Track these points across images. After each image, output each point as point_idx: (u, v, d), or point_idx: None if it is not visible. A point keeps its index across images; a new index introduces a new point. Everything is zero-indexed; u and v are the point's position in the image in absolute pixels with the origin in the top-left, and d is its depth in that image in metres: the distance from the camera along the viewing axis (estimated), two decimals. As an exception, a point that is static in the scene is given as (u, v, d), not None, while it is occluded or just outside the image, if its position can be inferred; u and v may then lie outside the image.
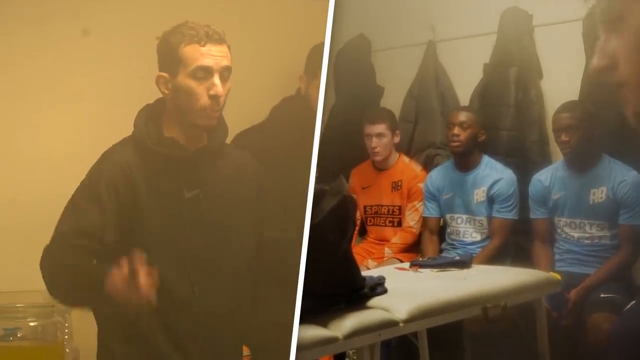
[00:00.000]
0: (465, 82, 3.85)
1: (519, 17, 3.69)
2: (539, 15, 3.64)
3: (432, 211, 3.70)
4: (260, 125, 3.02)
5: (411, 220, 3.75)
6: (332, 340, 2.27)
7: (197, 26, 2.34)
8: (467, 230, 3.61)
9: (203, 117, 2.34)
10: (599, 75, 1.24)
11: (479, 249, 3.54)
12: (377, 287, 2.53)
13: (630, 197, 3.16)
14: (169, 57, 2.35)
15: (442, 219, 3.72)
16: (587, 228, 3.26)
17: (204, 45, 2.32)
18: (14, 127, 2.85)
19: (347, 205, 2.43)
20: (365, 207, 3.87)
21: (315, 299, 2.34)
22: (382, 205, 3.83)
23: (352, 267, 2.49)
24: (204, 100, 2.32)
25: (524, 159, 3.62)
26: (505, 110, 3.68)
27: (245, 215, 2.46)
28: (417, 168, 3.82)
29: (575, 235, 3.29)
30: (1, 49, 2.83)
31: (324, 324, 2.31)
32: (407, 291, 2.62)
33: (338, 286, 2.42)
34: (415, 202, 3.75)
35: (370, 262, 3.66)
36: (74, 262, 2.29)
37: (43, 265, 2.31)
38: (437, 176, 3.71)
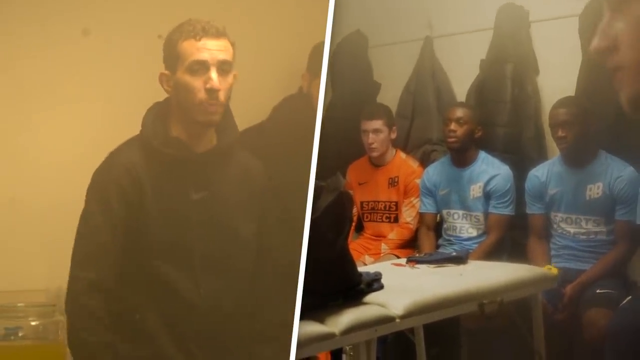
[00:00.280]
0: (461, 78, 3.86)
1: (516, 13, 3.69)
2: (536, 12, 3.65)
3: (428, 207, 3.71)
4: (262, 124, 3.02)
5: (408, 216, 3.75)
6: (328, 336, 2.28)
7: (196, 22, 2.33)
8: (463, 226, 3.62)
9: (201, 113, 2.31)
10: (598, 57, 1.23)
11: (476, 245, 3.55)
12: (374, 283, 2.54)
13: (626, 193, 3.17)
14: (169, 55, 2.35)
15: (438, 215, 3.73)
16: (583, 224, 3.27)
17: (199, 40, 2.30)
18: (14, 127, 2.85)
19: (343, 201, 2.43)
20: (362, 203, 3.87)
21: (312, 295, 2.35)
22: (378, 201, 3.83)
23: (348, 263, 2.49)
24: (201, 94, 2.30)
25: (520, 155, 3.62)
26: (501, 106, 3.69)
27: (251, 217, 2.46)
28: (413, 164, 3.83)
29: (572, 230, 3.30)
30: (1, 49, 2.83)
31: (321, 320, 2.32)
32: (403, 287, 2.63)
33: (335, 282, 2.42)
34: (412, 198, 3.75)
35: (367, 258, 3.67)
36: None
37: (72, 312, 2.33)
38: (434, 172, 3.72)
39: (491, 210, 3.56)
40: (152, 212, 2.32)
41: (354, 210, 3.82)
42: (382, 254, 3.69)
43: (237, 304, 2.43)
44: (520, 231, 3.51)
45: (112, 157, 2.37)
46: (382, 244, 3.74)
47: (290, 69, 3.05)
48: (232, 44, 2.36)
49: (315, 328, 2.29)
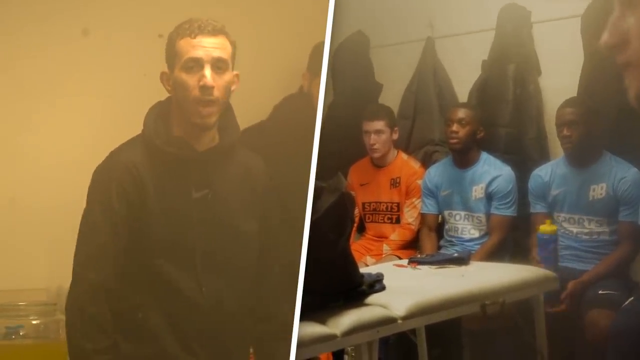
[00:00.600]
0: (463, 79, 3.85)
1: (518, 13, 3.69)
2: (538, 12, 3.64)
3: (430, 208, 3.71)
4: (263, 123, 3.02)
5: (409, 217, 3.75)
6: (330, 338, 2.28)
7: (195, 21, 2.33)
8: (465, 227, 3.61)
9: (196, 115, 2.30)
10: (607, 52, 1.21)
11: (478, 246, 3.54)
12: (376, 284, 2.54)
13: (630, 194, 3.16)
14: (169, 53, 2.36)
15: (440, 216, 3.72)
16: (586, 224, 3.26)
17: (194, 37, 2.30)
18: (15, 127, 2.85)
19: (345, 202, 2.43)
20: (363, 203, 3.87)
21: (314, 296, 2.35)
22: (380, 202, 3.83)
23: (350, 264, 2.49)
24: (195, 92, 2.29)
25: (522, 156, 3.61)
26: (503, 107, 3.68)
27: (252, 215, 2.46)
28: (415, 165, 3.82)
29: (574, 230, 3.29)
30: (1, 49, 2.83)
31: (322, 321, 2.32)
32: (405, 288, 2.63)
33: (336, 283, 2.42)
34: (414, 199, 3.75)
35: (369, 259, 3.66)
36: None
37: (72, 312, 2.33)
38: (436, 173, 3.71)
39: (493, 211, 3.55)
40: (154, 211, 2.32)
41: (356, 211, 3.81)
42: (383, 255, 3.68)
43: (240, 303, 2.43)
44: (522, 232, 3.50)
45: (113, 156, 2.37)
46: (384, 245, 3.74)
47: (291, 68, 3.05)
48: (232, 43, 2.35)
49: (316, 329, 2.29)
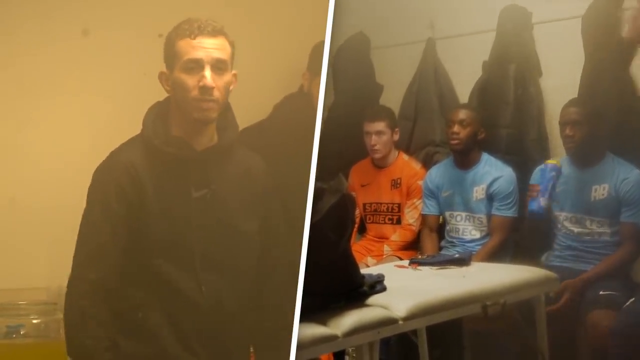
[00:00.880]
0: (464, 80, 3.85)
1: (518, 14, 3.68)
2: (538, 13, 3.64)
3: (431, 209, 3.70)
4: (262, 123, 3.02)
5: (410, 217, 3.75)
6: (331, 338, 2.28)
7: (194, 21, 2.34)
8: (466, 228, 3.61)
9: (196, 109, 2.33)
10: (630, 44, 1.20)
11: (479, 247, 3.54)
12: (377, 285, 2.54)
13: (632, 195, 3.16)
14: (168, 53, 2.37)
15: (441, 217, 3.72)
16: (588, 224, 3.26)
17: (194, 38, 2.32)
18: (15, 127, 2.86)
19: (346, 203, 2.43)
20: (364, 204, 3.86)
21: (315, 297, 2.35)
22: (381, 203, 3.83)
23: (351, 265, 2.49)
24: (195, 92, 2.31)
25: (523, 157, 3.61)
26: (504, 108, 3.68)
27: (252, 215, 2.46)
28: (416, 166, 3.82)
29: (575, 230, 3.29)
30: (1, 48, 2.84)
31: (323, 322, 2.32)
32: (406, 289, 2.63)
33: (337, 284, 2.42)
34: (415, 200, 3.75)
35: (370, 260, 3.66)
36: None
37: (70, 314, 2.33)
38: (437, 174, 3.71)
39: (494, 212, 3.55)
40: (153, 210, 2.32)
41: (357, 212, 3.81)
42: (384, 256, 3.68)
43: (240, 303, 2.43)
44: (523, 233, 3.50)
45: (112, 157, 2.38)
46: (385, 246, 3.74)
47: (291, 67, 3.05)
48: (231, 43, 2.36)
49: (317, 330, 2.29)
